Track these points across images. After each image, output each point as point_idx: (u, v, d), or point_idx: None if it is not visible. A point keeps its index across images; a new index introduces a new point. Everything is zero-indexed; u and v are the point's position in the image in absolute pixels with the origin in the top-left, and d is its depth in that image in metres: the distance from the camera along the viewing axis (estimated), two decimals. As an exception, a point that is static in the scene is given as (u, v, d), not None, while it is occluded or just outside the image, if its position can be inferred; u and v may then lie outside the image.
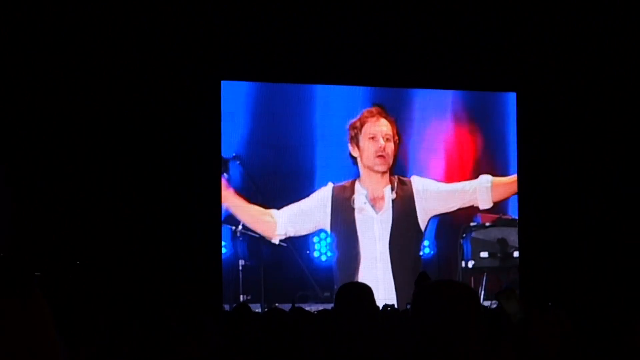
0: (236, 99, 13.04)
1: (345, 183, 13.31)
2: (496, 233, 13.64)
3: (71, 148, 11.88)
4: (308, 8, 12.50)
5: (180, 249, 12.11)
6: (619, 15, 13.02)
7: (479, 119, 13.94)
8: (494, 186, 13.59)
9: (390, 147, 13.30)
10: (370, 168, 13.26)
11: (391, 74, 13.35)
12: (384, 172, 13.32)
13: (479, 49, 13.21)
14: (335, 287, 12.56)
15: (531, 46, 13.34)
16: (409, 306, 10.27)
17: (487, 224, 13.65)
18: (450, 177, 13.68)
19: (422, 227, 13.44)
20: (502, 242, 13.58)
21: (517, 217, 13.76)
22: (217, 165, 12.74)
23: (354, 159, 13.32)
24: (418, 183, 13.43)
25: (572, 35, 13.26)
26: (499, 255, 13.60)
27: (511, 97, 13.95)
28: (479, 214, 13.67)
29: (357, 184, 13.32)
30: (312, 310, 8.59)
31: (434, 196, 13.45)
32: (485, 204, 13.60)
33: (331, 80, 13.29)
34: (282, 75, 13.10)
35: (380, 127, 13.29)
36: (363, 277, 12.76)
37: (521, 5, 12.97)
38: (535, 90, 13.64)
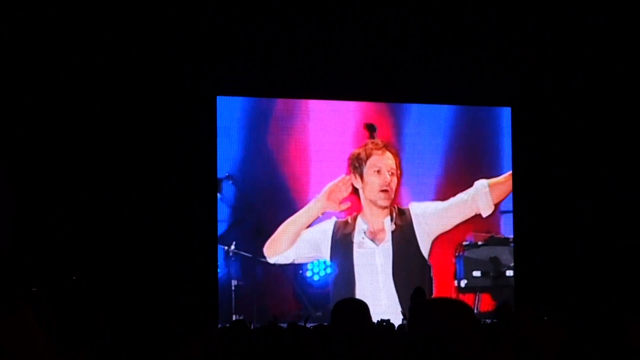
0: (232, 114, 12.94)
1: (348, 218, 13.19)
2: (488, 252, 13.58)
3: (68, 162, 11.87)
4: (303, 24, 12.52)
5: (176, 268, 12.07)
6: (610, 31, 13.09)
7: (474, 133, 13.90)
8: (491, 188, 13.56)
9: (394, 182, 13.23)
10: (373, 202, 13.16)
11: (385, 89, 13.32)
12: (385, 206, 13.23)
13: (474, 65, 13.24)
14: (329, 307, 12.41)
15: (526, 62, 13.38)
16: (405, 321, 10.28)
17: (480, 242, 13.59)
18: (448, 194, 13.60)
19: (425, 253, 13.33)
20: (495, 260, 13.54)
21: (510, 235, 13.69)
22: (213, 182, 12.68)
23: (355, 189, 13.20)
24: (416, 209, 13.33)
25: (566, 51, 13.33)
26: (491, 274, 13.54)
27: (506, 112, 13.94)
28: (471, 233, 13.61)
29: (358, 219, 13.20)
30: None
31: (433, 217, 13.38)
32: (487, 209, 13.54)
33: (326, 95, 13.25)
34: (278, 91, 13.08)
35: (386, 161, 13.22)
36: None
37: (516, 22, 13.02)
38: (530, 105, 13.67)
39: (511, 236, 13.73)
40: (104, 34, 11.84)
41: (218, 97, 12.81)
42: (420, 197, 13.48)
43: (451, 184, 13.64)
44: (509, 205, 13.77)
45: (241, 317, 12.50)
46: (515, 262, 13.54)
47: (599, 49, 13.26)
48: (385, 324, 9.55)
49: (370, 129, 13.34)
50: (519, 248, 13.57)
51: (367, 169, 13.16)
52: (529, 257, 13.46)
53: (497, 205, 13.64)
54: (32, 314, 2.72)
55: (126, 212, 11.99)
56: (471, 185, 13.62)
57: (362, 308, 4.27)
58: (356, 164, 13.17)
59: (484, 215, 13.56)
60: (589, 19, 12.95)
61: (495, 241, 13.66)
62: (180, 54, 12.24)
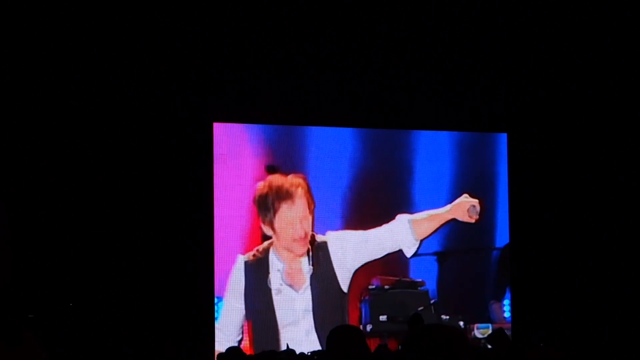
0: (228, 140, 12.51)
1: (256, 251, 12.31)
2: (396, 296, 12.97)
3: (61, 189, 11.84)
4: (301, 49, 12.52)
5: (171, 300, 12.01)
6: (606, 57, 13.17)
7: (471, 160, 13.66)
8: (414, 224, 12.96)
9: (308, 223, 12.47)
10: (289, 250, 12.43)
11: (377, 115, 13.15)
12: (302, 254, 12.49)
13: (469, 91, 13.25)
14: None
15: (522, 88, 13.39)
16: (400, 347, 10.26)
17: (387, 287, 12.97)
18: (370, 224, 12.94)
19: (345, 287, 12.67)
20: (402, 305, 12.92)
21: (419, 279, 13.07)
22: (210, 208, 12.52)
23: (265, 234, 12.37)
24: (334, 238, 12.65)
25: (563, 76, 13.37)
26: (400, 319, 12.68)
27: (502, 138, 13.84)
28: (378, 277, 12.99)
29: (271, 254, 12.36)
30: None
31: (355, 247, 12.75)
32: (410, 247, 12.99)
33: (323, 122, 13.14)
34: (275, 117, 12.99)
35: (297, 209, 12.39)
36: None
37: (510, 47, 13.10)
38: (526, 132, 13.64)
39: (420, 279, 13.12)
40: (98, 57, 11.82)
41: (215, 124, 12.72)
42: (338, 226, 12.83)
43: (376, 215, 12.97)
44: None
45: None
46: (512, 288, 13.40)
47: (598, 71, 13.29)
48: (383, 349, 9.57)
49: (271, 170, 12.59)
50: (516, 273, 13.42)
51: (277, 220, 12.37)
52: (526, 285, 13.37)
53: (421, 242, 13.05)
54: (34, 341, 2.69)
55: (120, 239, 11.95)
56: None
57: (356, 334, 4.32)
58: (263, 214, 12.34)
59: (408, 255, 12.98)
60: (590, 41, 13.02)
61: (403, 285, 13.07)
62: (176, 80, 12.22)
